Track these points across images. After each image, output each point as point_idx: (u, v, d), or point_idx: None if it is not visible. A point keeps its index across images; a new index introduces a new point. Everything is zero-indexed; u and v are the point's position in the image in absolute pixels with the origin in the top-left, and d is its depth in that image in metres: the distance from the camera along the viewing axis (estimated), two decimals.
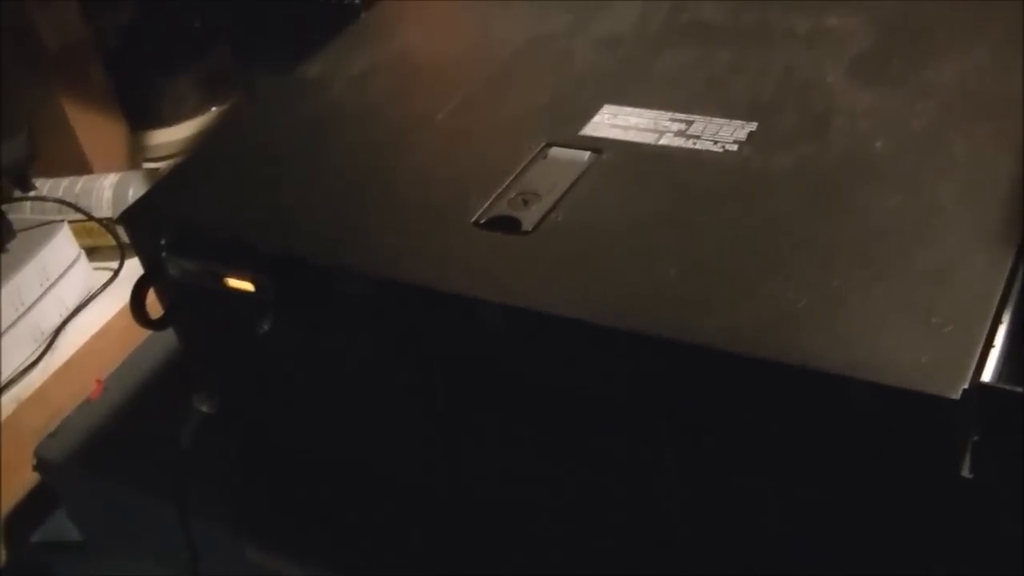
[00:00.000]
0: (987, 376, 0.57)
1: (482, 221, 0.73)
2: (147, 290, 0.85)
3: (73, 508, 1.19)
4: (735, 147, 0.74)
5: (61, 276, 1.34)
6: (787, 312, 0.61)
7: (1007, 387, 0.56)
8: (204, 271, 0.81)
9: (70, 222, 1.38)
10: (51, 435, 1.11)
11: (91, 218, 1.39)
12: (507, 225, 0.73)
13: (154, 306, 0.86)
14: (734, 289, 0.64)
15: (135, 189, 1.41)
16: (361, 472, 0.89)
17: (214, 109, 1.64)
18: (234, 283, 0.79)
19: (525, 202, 0.74)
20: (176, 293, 0.87)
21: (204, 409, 0.80)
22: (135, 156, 1.61)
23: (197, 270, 0.81)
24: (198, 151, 0.95)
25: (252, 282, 0.78)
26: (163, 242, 0.82)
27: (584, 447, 0.73)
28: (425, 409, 0.78)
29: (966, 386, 0.55)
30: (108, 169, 1.50)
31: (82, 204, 1.41)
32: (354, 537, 0.89)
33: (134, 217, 0.88)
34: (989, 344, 0.58)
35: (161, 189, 0.91)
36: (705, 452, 0.67)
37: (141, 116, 1.62)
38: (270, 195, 0.83)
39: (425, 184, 0.79)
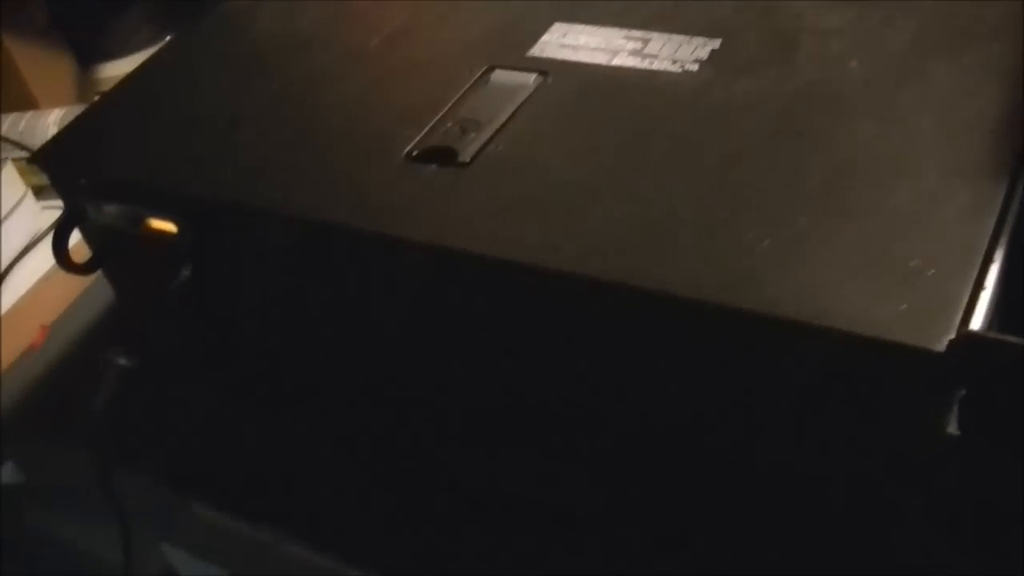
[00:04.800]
0: (976, 324, 0.50)
1: (415, 153, 0.66)
2: (69, 233, 0.78)
3: (18, 460, 1.14)
4: (695, 67, 0.67)
5: (6, 217, 1.27)
6: (748, 255, 0.54)
7: (1000, 337, 0.49)
8: (126, 214, 0.75)
9: (14, 160, 1.31)
10: None
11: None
12: (442, 156, 0.65)
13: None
14: (689, 229, 0.57)
15: None
16: (304, 419, 0.83)
17: (167, 39, 1.57)
18: (156, 226, 0.73)
19: (463, 131, 0.66)
20: (99, 237, 0.80)
21: (122, 363, 0.73)
22: (87, 91, 1.53)
23: (119, 213, 0.75)
24: (119, 88, 0.87)
25: (174, 225, 0.72)
26: (82, 183, 0.76)
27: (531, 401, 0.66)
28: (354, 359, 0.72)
29: (952, 336, 0.48)
30: (57, 105, 1.42)
31: (26, 141, 1.33)
32: (306, 490, 0.84)
33: (50, 157, 0.81)
34: (979, 287, 0.51)
35: (79, 127, 0.84)
36: (656, 411, 0.60)
37: (90, 50, 1.55)
38: (193, 134, 0.76)
39: (356, 117, 0.72)
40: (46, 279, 1.26)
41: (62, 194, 0.81)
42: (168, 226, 0.73)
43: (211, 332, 0.81)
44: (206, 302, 0.75)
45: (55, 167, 0.80)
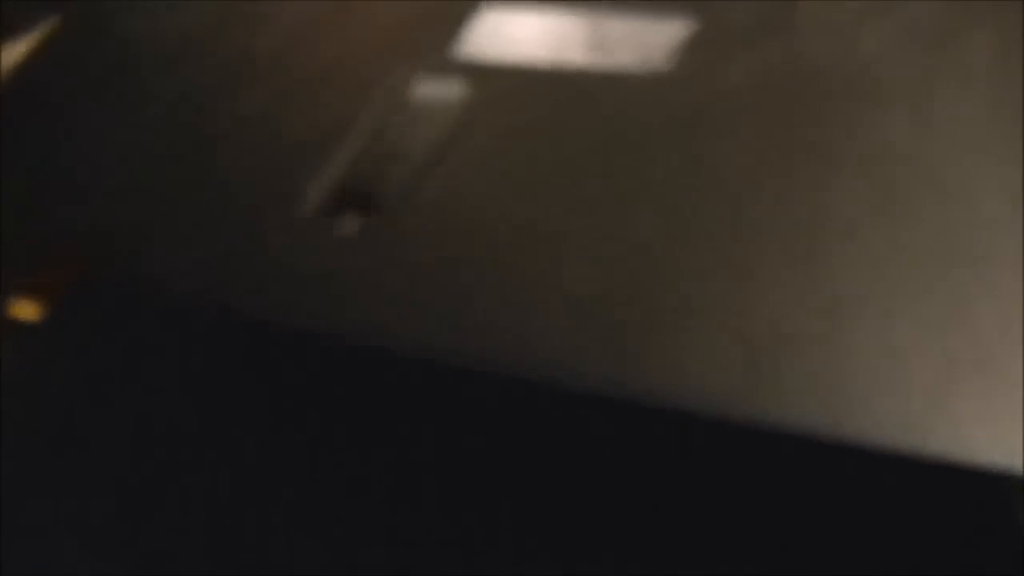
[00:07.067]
0: None
1: (325, 201, 0.52)
2: None
3: None
4: (669, 62, 0.51)
5: None
6: (762, 359, 0.41)
7: None
8: None
9: None
10: None
11: None
12: (358, 203, 0.52)
13: None
14: (685, 319, 0.43)
15: None
16: None
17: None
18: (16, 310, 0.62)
19: (379, 170, 0.52)
20: None
21: None
22: None
23: None
24: None
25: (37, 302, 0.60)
26: None
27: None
28: None
29: None
30: None
31: None
32: None
33: None
34: None
35: None
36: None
37: None
38: (62, 188, 0.61)
39: (240, 156, 0.57)
40: None
41: None
42: (29, 310, 0.60)
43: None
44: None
45: None
